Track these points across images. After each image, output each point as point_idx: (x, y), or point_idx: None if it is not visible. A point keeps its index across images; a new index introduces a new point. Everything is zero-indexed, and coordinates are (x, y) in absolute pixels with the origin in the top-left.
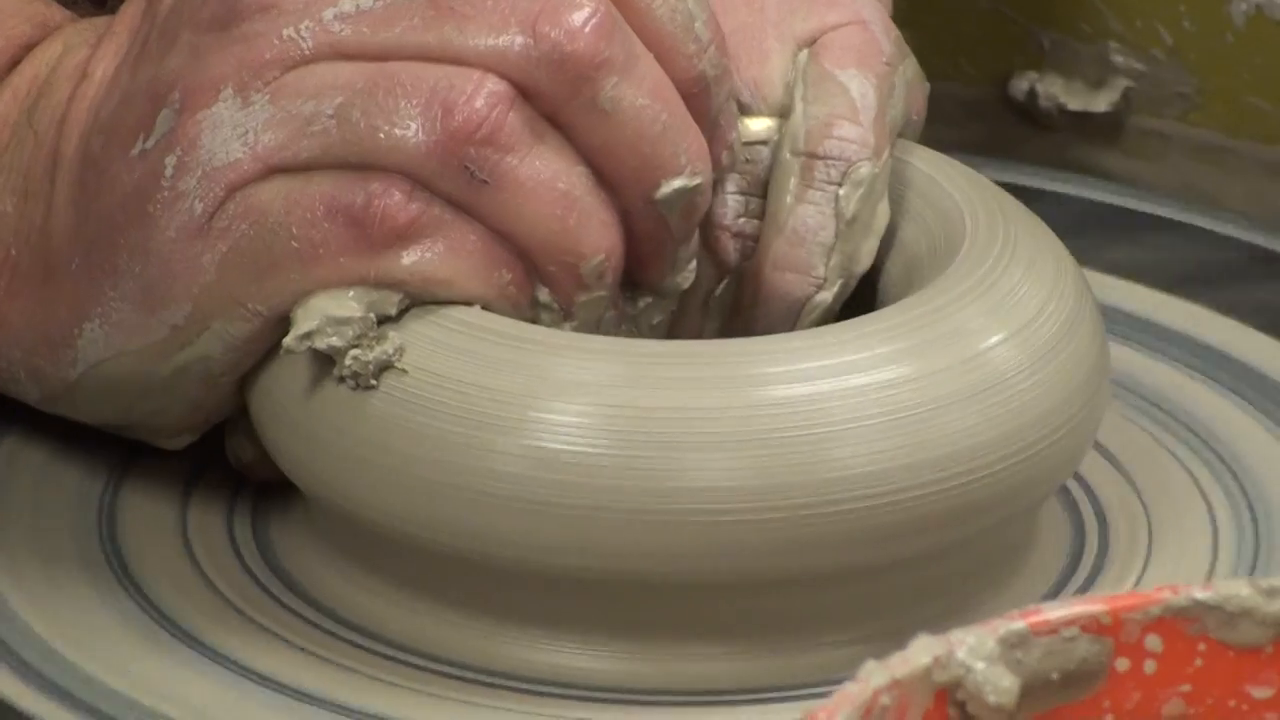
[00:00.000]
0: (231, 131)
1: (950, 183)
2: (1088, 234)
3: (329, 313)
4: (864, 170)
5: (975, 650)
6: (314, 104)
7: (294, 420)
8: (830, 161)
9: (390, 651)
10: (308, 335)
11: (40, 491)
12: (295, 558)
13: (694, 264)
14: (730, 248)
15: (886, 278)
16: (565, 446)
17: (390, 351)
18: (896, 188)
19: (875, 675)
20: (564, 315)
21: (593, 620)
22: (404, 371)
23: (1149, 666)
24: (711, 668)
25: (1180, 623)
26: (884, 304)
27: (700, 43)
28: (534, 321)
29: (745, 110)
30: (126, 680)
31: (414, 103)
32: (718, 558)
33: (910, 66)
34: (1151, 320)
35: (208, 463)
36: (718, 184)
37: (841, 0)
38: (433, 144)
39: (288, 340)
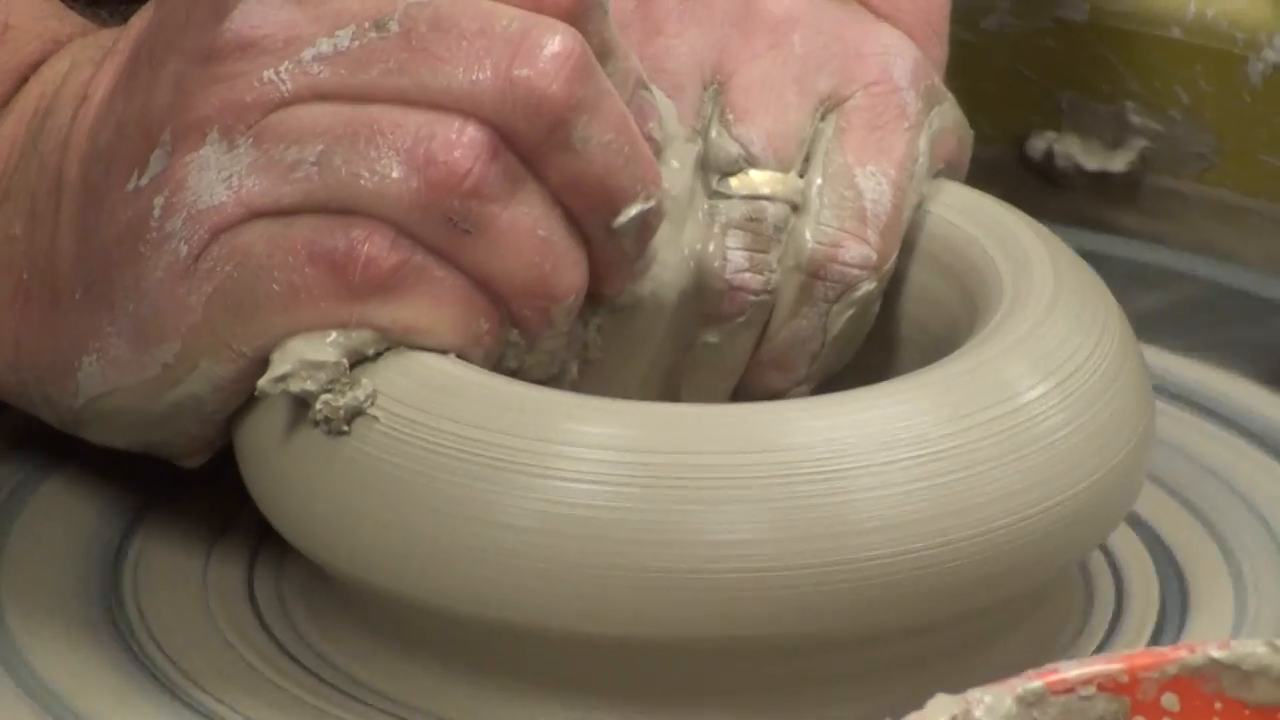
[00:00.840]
0: (216, 175)
1: (983, 232)
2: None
3: (304, 356)
4: (862, 291)
5: (993, 709)
6: (297, 150)
7: (271, 463)
8: (830, 284)
9: (388, 707)
10: (283, 378)
11: (56, 538)
12: (308, 615)
13: (652, 270)
14: (726, 302)
15: (924, 337)
16: (571, 501)
17: (362, 398)
18: (925, 243)
19: None
20: (527, 349)
21: (592, 683)
22: (375, 418)
23: None
24: None
25: (1197, 681)
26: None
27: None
28: (499, 356)
29: (754, 163)
30: None
31: (396, 151)
32: (733, 617)
33: (943, 115)
34: (1172, 379)
35: (231, 517)
36: (720, 238)
37: (870, 53)
38: (416, 193)
39: (262, 382)
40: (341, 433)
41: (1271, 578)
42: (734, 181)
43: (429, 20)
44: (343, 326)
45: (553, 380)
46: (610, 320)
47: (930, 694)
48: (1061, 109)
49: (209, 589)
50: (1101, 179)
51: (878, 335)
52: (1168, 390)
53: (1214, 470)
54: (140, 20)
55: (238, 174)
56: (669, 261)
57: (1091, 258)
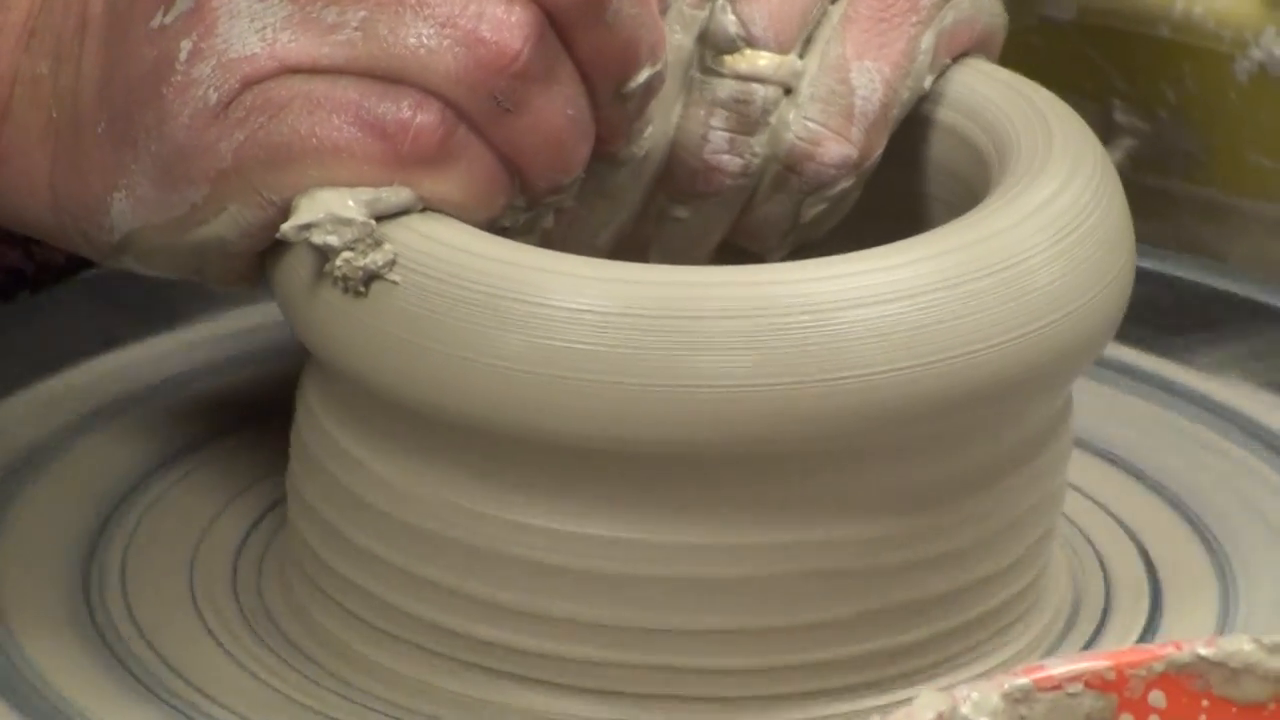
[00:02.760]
0: (249, 24)
1: (997, 100)
2: None
3: (332, 209)
4: (838, 188)
5: (980, 706)
6: (336, 11)
7: (306, 300)
8: (806, 179)
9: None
10: (307, 227)
11: (43, 532)
12: (291, 611)
13: (649, 130)
14: (697, 179)
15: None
16: (574, 338)
17: (380, 263)
18: (946, 113)
19: None
20: (526, 211)
21: (585, 489)
22: (394, 284)
23: None
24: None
25: (1184, 679)
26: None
27: None
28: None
29: (753, 43)
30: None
31: (444, 25)
32: (713, 425)
33: (959, 8)
34: (1156, 382)
35: (212, 523)
36: (705, 116)
37: None
38: (464, 70)
39: (286, 227)
40: (359, 293)
41: (1258, 574)
42: (728, 59)
43: None
44: (377, 186)
45: (529, 230)
46: (592, 176)
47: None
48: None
49: (196, 582)
50: None
51: (905, 190)
52: (1160, 390)
53: (1201, 466)
54: None
55: (271, 26)
56: (659, 126)
57: None
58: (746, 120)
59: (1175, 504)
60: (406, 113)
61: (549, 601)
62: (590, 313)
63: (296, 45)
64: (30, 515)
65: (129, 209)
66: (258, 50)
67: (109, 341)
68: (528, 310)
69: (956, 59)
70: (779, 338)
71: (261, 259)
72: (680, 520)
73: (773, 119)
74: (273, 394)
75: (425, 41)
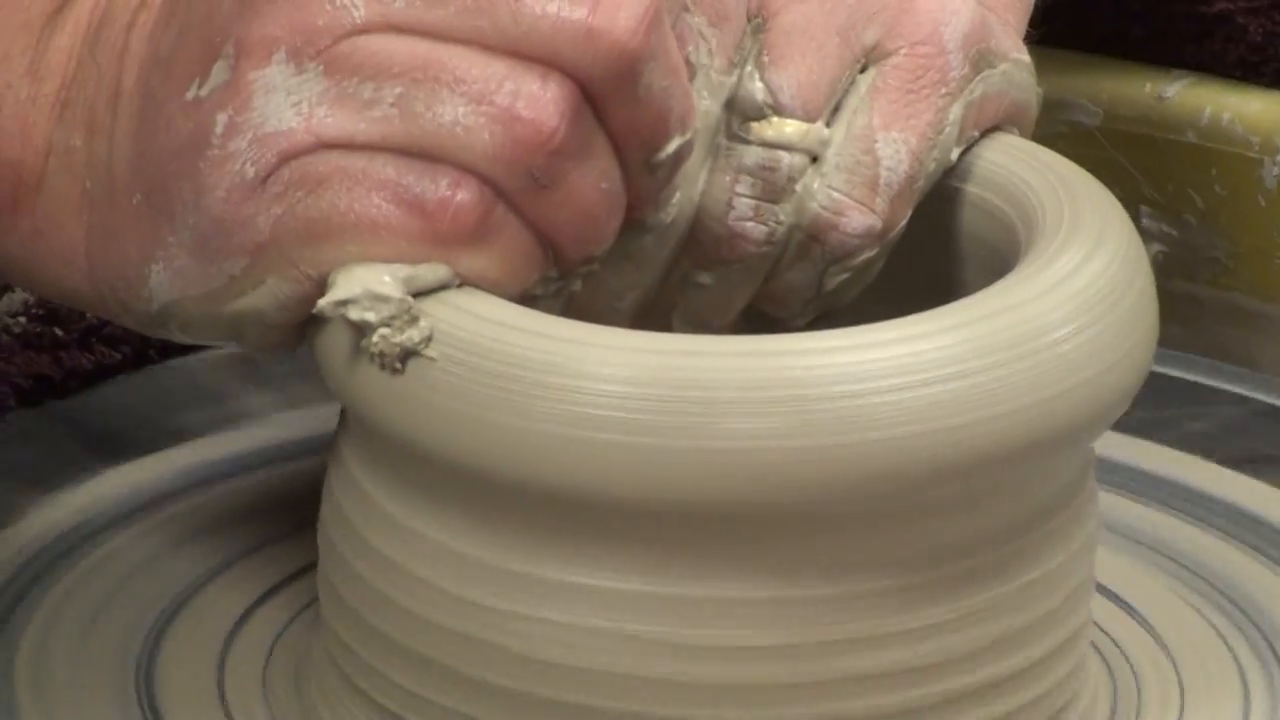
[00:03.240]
0: (285, 98)
1: (1024, 176)
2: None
3: (369, 286)
4: (861, 258)
5: None
6: (373, 87)
7: (347, 369)
8: (829, 249)
9: None
10: (344, 303)
11: (85, 641)
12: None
13: (676, 197)
14: (722, 246)
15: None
16: (605, 407)
17: (417, 339)
18: (971, 190)
19: None
20: (558, 281)
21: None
22: (432, 359)
23: None
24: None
25: None
26: None
27: None
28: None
29: (780, 111)
30: None
31: (480, 102)
32: (751, 487)
33: (988, 81)
34: (1190, 488)
35: (246, 618)
36: (730, 183)
37: (924, 9)
38: (501, 148)
39: (323, 303)
40: (395, 370)
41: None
42: (755, 126)
43: None
44: (414, 263)
45: (557, 295)
46: (617, 240)
47: None
48: None
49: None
50: None
51: (941, 253)
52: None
53: (1230, 579)
54: None
55: (308, 101)
56: (685, 192)
57: None
58: (772, 187)
59: (1196, 605)
60: (445, 191)
61: (577, 657)
62: (621, 383)
63: (333, 121)
64: (69, 613)
65: (167, 280)
66: (294, 125)
67: (107, 459)
68: (562, 382)
69: (986, 133)
70: (805, 404)
71: (301, 327)
72: (712, 576)
73: (798, 187)
74: (298, 494)
75: (462, 119)
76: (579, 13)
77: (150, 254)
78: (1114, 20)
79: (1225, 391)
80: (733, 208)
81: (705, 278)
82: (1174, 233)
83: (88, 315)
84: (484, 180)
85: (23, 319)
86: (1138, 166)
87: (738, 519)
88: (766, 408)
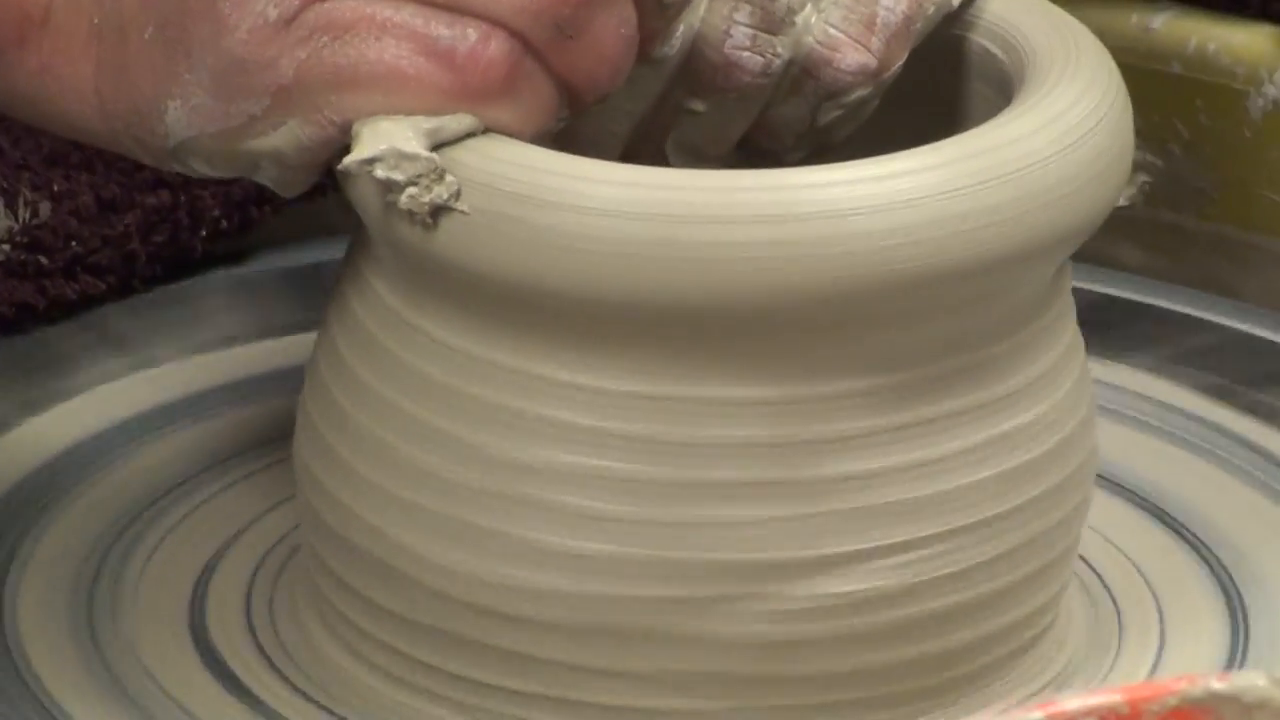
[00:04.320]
0: None
1: (1019, 16)
2: (1113, 325)
3: (394, 144)
4: (854, 95)
5: None
6: None
7: (380, 211)
8: (822, 84)
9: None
10: (370, 161)
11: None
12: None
13: (681, 29)
14: (717, 74)
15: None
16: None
17: (445, 196)
18: (973, 39)
19: None
20: (565, 120)
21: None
22: (464, 213)
23: None
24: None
25: (1197, 713)
26: None
27: None
28: None
29: None
30: None
31: None
32: (745, 292)
33: None
34: (1169, 416)
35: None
36: (729, 11)
37: None
38: (530, 0)
39: (348, 161)
40: (426, 224)
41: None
42: None
43: None
44: (441, 113)
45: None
46: None
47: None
48: None
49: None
50: None
51: (942, 99)
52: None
53: (1214, 504)
54: None
55: None
56: (687, 20)
57: (1097, 300)
58: (771, 18)
59: (1190, 545)
60: (476, 44)
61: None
62: (621, 203)
63: None
64: (44, 543)
65: (184, 117)
66: None
67: (106, 375)
68: (571, 203)
69: None
70: (791, 218)
71: (320, 166)
72: (707, 376)
73: (798, 20)
74: (273, 427)
75: None
76: None
77: (166, 90)
78: None
79: (1206, 321)
80: (730, 36)
81: (700, 105)
82: (1159, 163)
83: (73, 244)
84: (512, 32)
85: (6, 246)
86: None
87: (723, 324)
88: (754, 225)
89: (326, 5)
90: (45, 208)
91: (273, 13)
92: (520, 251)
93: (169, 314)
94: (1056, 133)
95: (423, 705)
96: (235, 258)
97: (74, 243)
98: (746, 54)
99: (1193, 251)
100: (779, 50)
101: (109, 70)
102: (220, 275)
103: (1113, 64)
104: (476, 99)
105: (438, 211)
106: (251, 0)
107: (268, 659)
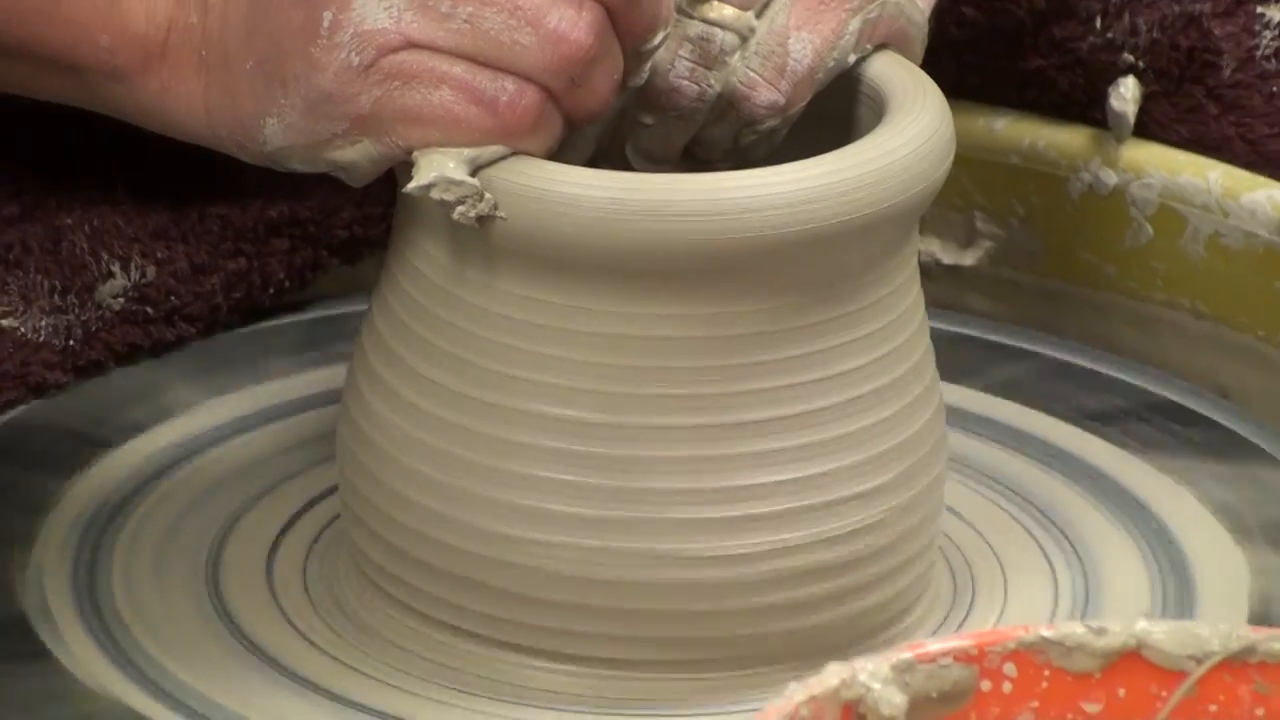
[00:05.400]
0: (378, 3)
1: (891, 73)
2: (963, 356)
3: (444, 173)
4: (765, 125)
5: (873, 674)
6: (449, 4)
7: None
8: (740, 115)
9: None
10: (426, 186)
11: (161, 550)
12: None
13: (649, 66)
14: (661, 96)
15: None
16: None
17: (486, 210)
18: (861, 84)
19: (796, 693)
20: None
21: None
22: (502, 219)
23: (1006, 687)
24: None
25: (1031, 654)
26: None
27: None
28: None
29: None
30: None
31: (535, 26)
32: (675, 246)
33: (884, 6)
34: (1009, 424)
35: (289, 526)
36: (676, 47)
37: None
38: (551, 62)
39: (411, 187)
40: (474, 228)
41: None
42: (701, 6)
43: None
44: (480, 146)
45: None
46: None
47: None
48: (924, 218)
49: (274, 576)
50: (956, 271)
51: (837, 127)
52: (1010, 438)
53: (1036, 490)
54: None
55: (397, 7)
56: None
57: (953, 338)
58: (707, 56)
59: (1018, 520)
60: (513, 95)
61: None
62: (598, 193)
63: (418, 26)
64: (159, 514)
65: (279, 131)
66: (387, 25)
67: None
68: (559, 195)
69: (878, 48)
70: (719, 200)
71: (386, 170)
72: (649, 298)
73: (730, 60)
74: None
75: (520, 39)
76: None
77: (265, 110)
78: (957, 73)
79: (1031, 351)
80: (674, 67)
81: (649, 119)
82: (1001, 233)
83: (171, 298)
84: (540, 86)
85: (121, 299)
86: (974, 181)
87: (665, 271)
88: (692, 206)
89: (398, 57)
90: (151, 271)
91: (355, 59)
92: (537, 223)
93: (244, 351)
94: (905, 140)
95: (447, 638)
96: (296, 308)
97: (172, 297)
98: (686, 82)
99: (1026, 301)
100: (712, 83)
101: (216, 91)
102: (284, 322)
103: (946, 105)
104: (511, 137)
105: (482, 219)
106: (337, 48)
107: (313, 604)
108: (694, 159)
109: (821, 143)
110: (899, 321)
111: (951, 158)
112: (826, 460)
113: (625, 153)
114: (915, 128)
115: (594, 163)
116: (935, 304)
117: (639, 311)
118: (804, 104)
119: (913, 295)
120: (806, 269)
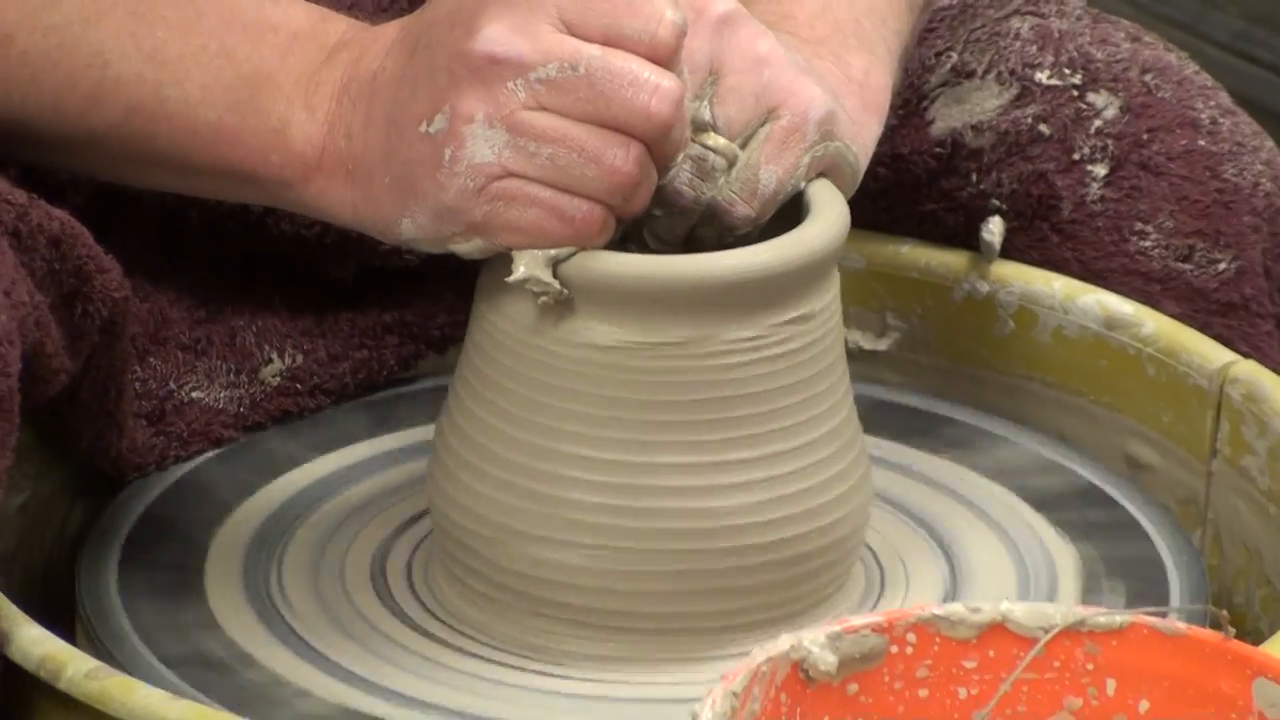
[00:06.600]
0: (484, 144)
1: (821, 192)
2: (880, 420)
3: (534, 273)
4: (741, 231)
5: (814, 640)
6: (534, 145)
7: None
8: (723, 222)
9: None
10: (522, 281)
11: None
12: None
13: (672, 172)
14: (668, 197)
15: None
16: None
17: (562, 295)
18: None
19: (758, 654)
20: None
21: None
22: (570, 296)
23: (908, 650)
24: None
25: (926, 626)
26: None
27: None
28: None
29: (717, 130)
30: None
31: (595, 162)
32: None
33: (828, 148)
34: (914, 466)
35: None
36: (681, 162)
37: (804, 97)
38: (611, 188)
39: (510, 279)
40: (550, 307)
41: (973, 561)
42: (700, 135)
43: (602, 69)
44: (560, 247)
45: None
46: None
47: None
48: (848, 314)
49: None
50: (873, 354)
51: (788, 225)
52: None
53: (927, 510)
54: (412, 20)
55: (497, 146)
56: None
57: (872, 402)
58: (703, 171)
59: (922, 523)
60: (586, 213)
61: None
62: (630, 267)
63: (514, 161)
64: (300, 535)
65: (412, 228)
66: (491, 160)
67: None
68: (605, 271)
69: (819, 175)
70: (705, 264)
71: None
72: (648, 326)
73: (719, 176)
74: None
75: (587, 172)
76: (644, 99)
77: (400, 213)
78: (873, 213)
79: (925, 411)
80: (678, 175)
81: (658, 211)
82: (905, 326)
83: (313, 378)
84: (605, 206)
85: (278, 378)
86: (886, 289)
87: (668, 305)
88: (687, 268)
89: (500, 184)
90: (299, 357)
91: (470, 184)
92: (594, 287)
93: (365, 416)
94: (821, 230)
95: (510, 614)
96: (405, 382)
97: (314, 377)
98: (686, 189)
99: (925, 376)
100: (705, 191)
101: (361, 198)
102: (396, 393)
103: (845, 205)
104: (583, 241)
105: (557, 300)
106: (457, 176)
107: (413, 590)
108: (692, 243)
109: (776, 229)
110: (838, 383)
111: (845, 237)
112: (790, 473)
113: (643, 235)
114: (827, 222)
115: (622, 243)
116: (858, 378)
117: (656, 341)
118: (770, 214)
119: (840, 368)
120: (767, 301)
